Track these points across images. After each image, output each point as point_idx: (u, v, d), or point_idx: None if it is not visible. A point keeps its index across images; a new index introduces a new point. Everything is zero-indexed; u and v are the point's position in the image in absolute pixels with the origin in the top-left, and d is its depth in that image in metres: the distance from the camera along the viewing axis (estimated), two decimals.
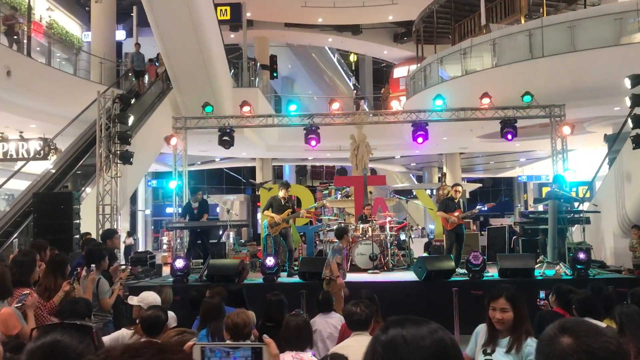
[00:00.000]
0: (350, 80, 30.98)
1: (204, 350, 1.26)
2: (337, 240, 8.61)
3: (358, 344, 3.96)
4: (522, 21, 18.31)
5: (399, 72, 28.65)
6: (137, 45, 17.90)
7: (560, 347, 1.33)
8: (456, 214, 10.55)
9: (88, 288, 5.18)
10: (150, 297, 4.94)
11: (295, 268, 10.49)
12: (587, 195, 14.84)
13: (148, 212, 27.69)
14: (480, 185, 30.60)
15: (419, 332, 1.24)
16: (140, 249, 23.54)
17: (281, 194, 10.73)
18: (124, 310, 6.05)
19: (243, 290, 6.04)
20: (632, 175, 11.92)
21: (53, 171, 12.79)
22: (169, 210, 29.93)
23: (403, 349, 1.22)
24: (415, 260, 11.39)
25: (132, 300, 4.97)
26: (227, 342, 1.45)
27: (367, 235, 11.32)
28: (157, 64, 17.70)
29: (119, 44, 20.60)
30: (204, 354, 1.27)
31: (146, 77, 17.53)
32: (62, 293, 4.82)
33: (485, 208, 11.65)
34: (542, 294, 5.75)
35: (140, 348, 0.98)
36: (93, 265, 5.31)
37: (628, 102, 10.06)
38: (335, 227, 11.24)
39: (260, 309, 5.54)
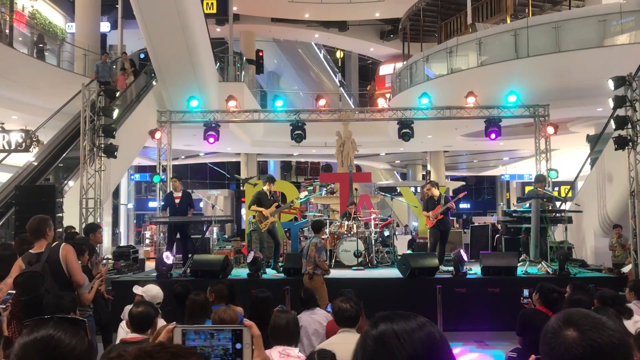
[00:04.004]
0: (336, 76, 30.97)
1: (186, 333, 1.26)
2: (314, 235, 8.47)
3: (345, 340, 3.97)
4: (508, 21, 18.45)
5: (385, 70, 28.71)
6: (105, 54, 16.87)
7: (566, 340, 1.37)
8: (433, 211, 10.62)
9: None
10: (154, 290, 4.89)
11: (281, 263, 10.54)
12: (569, 194, 15.03)
13: (130, 206, 27.47)
14: (464, 183, 30.81)
15: (408, 325, 1.28)
16: (123, 243, 23.35)
17: (266, 187, 10.71)
18: (104, 305, 6.00)
19: (233, 287, 6.05)
20: (613, 176, 12.07)
21: (35, 164, 12.62)
22: (151, 204, 29.73)
23: (394, 342, 1.25)
24: (399, 257, 11.43)
25: (137, 289, 4.93)
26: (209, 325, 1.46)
27: (352, 232, 11.34)
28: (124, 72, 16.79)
29: (104, 36, 20.35)
30: (185, 337, 1.26)
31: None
32: None
33: (458, 198, 11.45)
34: (526, 292, 5.81)
35: (153, 351, 0.98)
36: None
37: (611, 104, 10.18)
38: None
39: (245, 304, 5.53)
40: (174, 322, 1.30)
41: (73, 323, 1.45)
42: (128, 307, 5.40)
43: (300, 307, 5.95)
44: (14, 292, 4.28)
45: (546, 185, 11.42)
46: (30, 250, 4.67)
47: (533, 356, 1.63)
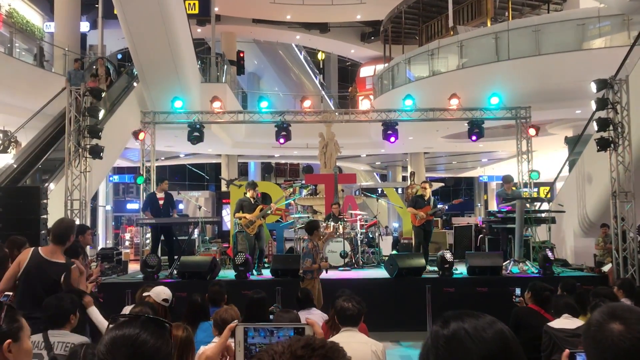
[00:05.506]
0: (316, 78, 31.01)
1: (247, 331, 1.27)
2: (308, 237, 8.51)
3: (348, 339, 3.99)
4: (489, 24, 18.68)
5: (366, 72, 28.86)
6: (78, 61, 16.08)
7: (612, 333, 1.41)
8: (424, 210, 10.73)
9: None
10: (158, 288, 4.85)
11: (267, 265, 10.59)
12: (548, 195, 15.29)
13: (109, 207, 27.12)
14: (443, 184, 31.12)
15: (479, 324, 1.28)
16: (101, 245, 23.05)
17: (249, 194, 10.68)
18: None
19: (224, 289, 6.07)
20: (593, 177, 12.31)
21: (15, 165, 12.37)
22: (130, 206, 29.39)
23: (467, 341, 1.25)
24: (384, 257, 11.50)
25: (145, 294, 4.90)
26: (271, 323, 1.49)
27: (338, 233, 11.37)
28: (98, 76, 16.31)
29: (84, 36, 20.05)
30: (247, 334, 1.27)
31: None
32: None
33: (448, 207, 11.71)
34: (518, 291, 5.89)
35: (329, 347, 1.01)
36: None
37: (594, 106, 10.38)
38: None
39: (234, 305, 5.53)
40: (236, 321, 1.31)
41: (160, 325, 1.48)
42: (127, 308, 5.36)
43: (294, 307, 5.96)
44: (10, 294, 4.20)
45: (514, 186, 11.62)
46: (43, 256, 4.54)
47: (567, 350, 1.67)
